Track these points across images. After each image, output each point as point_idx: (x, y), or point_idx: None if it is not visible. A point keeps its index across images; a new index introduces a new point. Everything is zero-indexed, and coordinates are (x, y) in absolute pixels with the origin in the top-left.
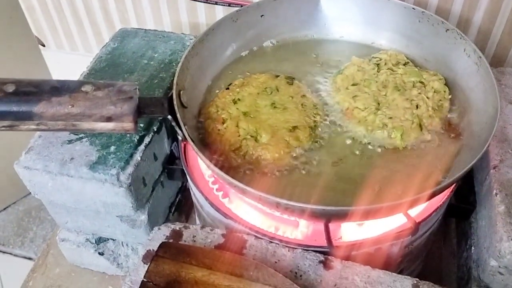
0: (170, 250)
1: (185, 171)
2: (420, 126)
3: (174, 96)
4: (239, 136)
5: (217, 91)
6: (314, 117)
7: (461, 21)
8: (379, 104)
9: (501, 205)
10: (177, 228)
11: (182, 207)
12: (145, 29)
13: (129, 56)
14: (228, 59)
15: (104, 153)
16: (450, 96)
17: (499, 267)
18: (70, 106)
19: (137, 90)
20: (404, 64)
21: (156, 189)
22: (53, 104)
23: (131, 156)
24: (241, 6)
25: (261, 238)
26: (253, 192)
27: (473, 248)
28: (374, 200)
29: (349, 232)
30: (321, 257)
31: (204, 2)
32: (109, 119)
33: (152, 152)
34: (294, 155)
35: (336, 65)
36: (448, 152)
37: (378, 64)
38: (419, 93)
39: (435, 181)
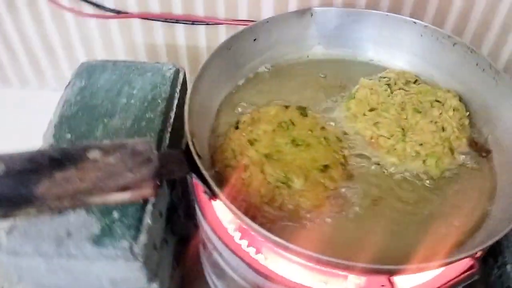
0: None
1: (204, 225)
2: (451, 149)
3: (192, 149)
4: (269, 183)
5: (224, 131)
6: (342, 151)
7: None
8: (403, 129)
9: None
10: None
11: (182, 258)
12: (114, 61)
13: (102, 96)
14: (226, 90)
15: (107, 222)
16: (468, 113)
17: None
18: (78, 181)
19: (153, 148)
20: (414, 82)
21: (162, 248)
22: (57, 181)
23: (140, 221)
24: (207, 24)
25: None
26: (309, 254)
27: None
28: (438, 242)
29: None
30: None
31: (162, 21)
32: (125, 188)
33: (158, 210)
34: (332, 198)
35: (340, 87)
36: (485, 174)
37: (388, 85)
38: (440, 114)
39: (484, 210)
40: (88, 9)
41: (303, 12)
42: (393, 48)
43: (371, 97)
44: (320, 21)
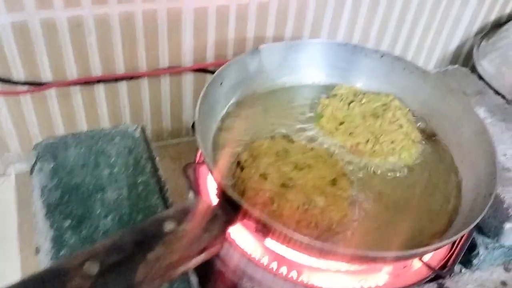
0: None
1: (245, 265)
2: (413, 141)
3: (233, 196)
4: (298, 208)
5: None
6: (338, 163)
7: None
8: (373, 133)
9: None
10: None
11: None
12: (72, 134)
13: (81, 172)
14: (211, 135)
15: None
16: (408, 109)
17: None
18: (169, 255)
19: (213, 203)
20: (360, 94)
21: None
22: (151, 262)
23: (188, 281)
24: (130, 78)
25: None
26: (363, 254)
27: None
28: (441, 214)
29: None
30: (435, 285)
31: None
32: (204, 250)
33: None
34: (350, 205)
35: (302, 111)
36: (440, 152)
37: (342, 100)
38: (393, 114)
39: (457, 177)
40: None
41: (253, 52)
42: (330, 68)
43: (336, 113)
44: (267, 57)
